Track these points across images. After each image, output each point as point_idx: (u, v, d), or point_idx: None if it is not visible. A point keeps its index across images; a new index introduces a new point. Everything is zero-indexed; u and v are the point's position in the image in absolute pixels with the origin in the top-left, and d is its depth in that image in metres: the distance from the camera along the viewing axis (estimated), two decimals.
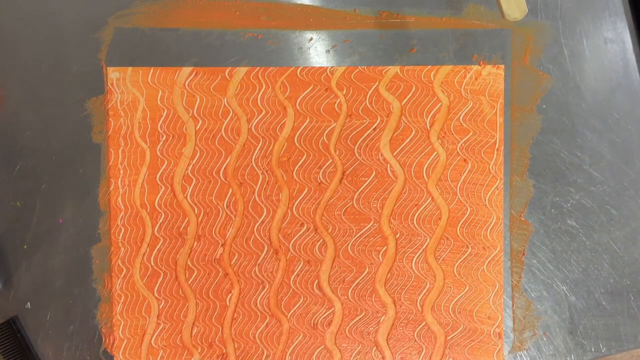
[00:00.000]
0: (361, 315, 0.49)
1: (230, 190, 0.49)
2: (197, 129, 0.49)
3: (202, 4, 0.49)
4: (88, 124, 0.49)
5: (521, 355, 0.50)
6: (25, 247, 0.49)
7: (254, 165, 0.49)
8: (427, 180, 0.49)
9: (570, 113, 0.49)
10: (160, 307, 0.49)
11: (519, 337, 0.50)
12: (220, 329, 0.49)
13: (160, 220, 0.49)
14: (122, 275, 0.49)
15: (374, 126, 0.49)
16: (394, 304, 0.49)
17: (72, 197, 0.49)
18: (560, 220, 0.50)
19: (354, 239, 0.49)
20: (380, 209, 0.49)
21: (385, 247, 0.49)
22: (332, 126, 0.49)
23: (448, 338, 0.49)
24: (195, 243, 0.49)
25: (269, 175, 0.49)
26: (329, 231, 0.49)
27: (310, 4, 0.49)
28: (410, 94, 0.49)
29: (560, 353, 0.50)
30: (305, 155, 0.49)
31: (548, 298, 0.50)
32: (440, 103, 0.49)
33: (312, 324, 0.49)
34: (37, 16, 0.49)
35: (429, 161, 0.49)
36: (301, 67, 0.49)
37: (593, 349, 0.50)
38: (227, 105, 0.49)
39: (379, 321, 0.49)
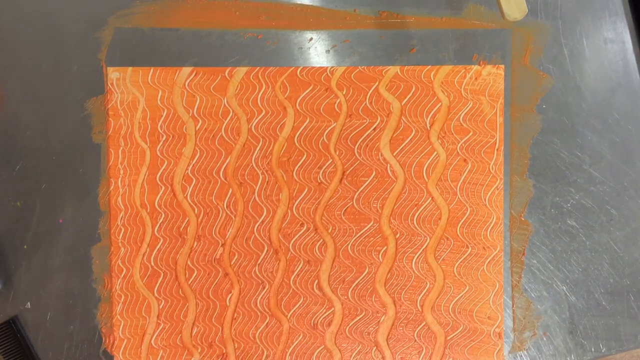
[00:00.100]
0: (361, 315, 0.49)
1: (230, 190, 0.49)
2: (197, 129, 0.49)
3: (202, 4, 0.49)
4: (88, 124, 0.49)
5: (521, 355, 0.50)
6: (25, 247, 0.49)
7: (254, 165, 0.49)
8: (427, 180, 0.49)
9: (570, 113, 0.49)
10: (160, 307, 0.49)
11: (519, 337, 0.50)
12: (220, 329, 0.49)
13: (160, 220, 0.49)
14: (122, 275, 0.49)
15: (374, 126, 0.49)
16: (394, 304, 0.49)
17: (72, 197, 0.49)
18: (560, 220, 0.50)
19: (354, 239, 0.49)
20: (380, 209, 0.49)
21: (385, 247, 0.49)
22: (332, 126, 0.49)
23: (448, 338, 0.49)
24: (195, 243, 0.49)
25: (269, 175, 0.49)
26: (329, 231, 0.49)
27: (310, 4, 0.49)
28: (410, 94, 0.49)
29: (560, 353, 0.50)
30: (305, 155, 0.49)
31: (548, 298, 0.50)
32: (440, 103, 0.49)
33: (312, 324, 0.49)
34: (37, 16, 0.49)
35: (429, 161, 0.49)
36: (301, 67, 0.49)
37: (593, 349, 0.50)
38: (227, 105, 0.49)
39: (379, 321, 0.49)
